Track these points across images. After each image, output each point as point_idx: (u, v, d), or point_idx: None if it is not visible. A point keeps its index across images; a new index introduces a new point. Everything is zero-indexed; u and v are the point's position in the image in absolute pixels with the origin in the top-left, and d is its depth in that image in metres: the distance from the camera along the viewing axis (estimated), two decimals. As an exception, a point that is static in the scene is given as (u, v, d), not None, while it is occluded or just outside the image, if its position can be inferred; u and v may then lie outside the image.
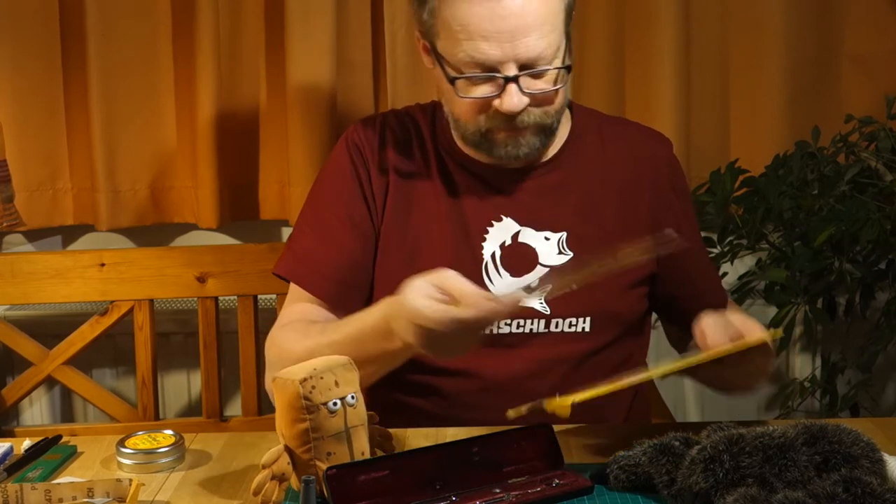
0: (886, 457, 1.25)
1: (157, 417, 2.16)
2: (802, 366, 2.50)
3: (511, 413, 1.34)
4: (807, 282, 2.24)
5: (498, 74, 1.51)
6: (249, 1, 2.34)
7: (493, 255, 1.63)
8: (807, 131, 2.28)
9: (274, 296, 2.21)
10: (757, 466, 1.20)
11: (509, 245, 1.63)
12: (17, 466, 1.42)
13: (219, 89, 2.31)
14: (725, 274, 2.28)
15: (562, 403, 1.33)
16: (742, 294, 2.34)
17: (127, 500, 1.27)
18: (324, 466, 1.26)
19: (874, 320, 2.30)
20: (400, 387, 1.63)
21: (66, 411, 2.54)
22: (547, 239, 1.63)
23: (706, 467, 1.20)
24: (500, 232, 1.64)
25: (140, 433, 1.46)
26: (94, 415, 2.49)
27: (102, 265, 2.10)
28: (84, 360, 2.28)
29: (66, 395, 2.51)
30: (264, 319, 2.10)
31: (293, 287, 1.68)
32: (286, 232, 2.44)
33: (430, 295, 1.34)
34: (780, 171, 2.26)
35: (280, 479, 1.29)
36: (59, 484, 1.30)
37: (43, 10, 2.31)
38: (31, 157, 2.34)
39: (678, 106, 2.33)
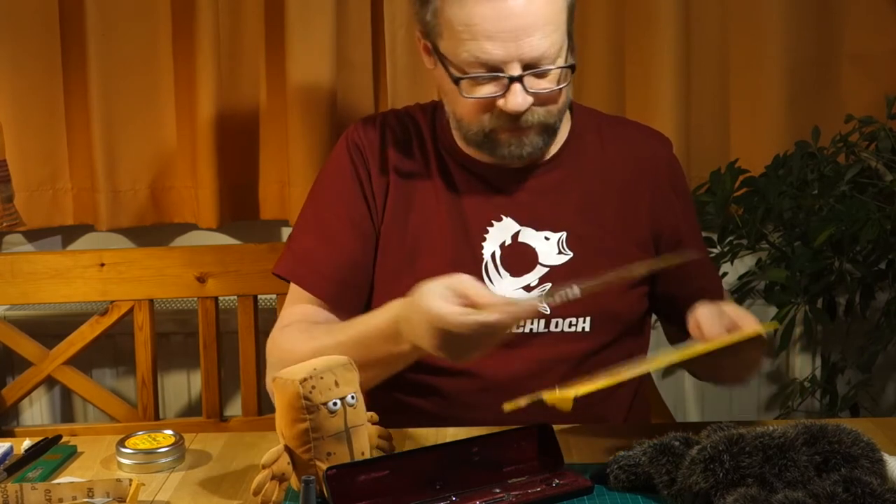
0: (886, 457, 1.25)
1: (157, 417, 2.16)
2: (802, 366, 2.50)
3: (507, 406, 1.32)
4: (807, 282, 2.24)
5: (502, 74, 1.50)
6: (249, 1, 2.33)
7: (493, 255, 1.63)
8: (807, 131, 2.28)
9: (274, 296, 2.21)
10: (757, 466, 1.19)
11: (509, 245, 1.63)
12: (17, 466, 1.42)
13: (219, 89, 2.30)
14: (725, 274, 2.28)
15: (563, 397, 1.32)
16: (742, 294, 2.34)
17: (127, 500, 1.27)
18: (324, 466, 1.26)
19: (874, 320, 2.30)
20: (400, 387, 1.62)
21: (66, 411, 2.54)
22: (547, 239, 1.63)
23: (706, 467, 1.20)
24: (500, 232, 1.63)
25: (140, 433, 1.46)
26: (94, 415, 2.49)
27: (102, 265, 2.10)
28: (84, 360, 2.28)
29: (66, 395, 2.51)
30: (264, 319, 2.10)
31: (293, 287, 1.68)
32: (286, 232, 2.44)
33: (448, 299, 1.34)
34: (780, 171, 2.26)
35: (280, 479, 1.29)
36: (59, 484, 1.30)
37: (43, 10, 2.31)
38: (31, 157, 2.34)
39: (678, 106, 2.33)
